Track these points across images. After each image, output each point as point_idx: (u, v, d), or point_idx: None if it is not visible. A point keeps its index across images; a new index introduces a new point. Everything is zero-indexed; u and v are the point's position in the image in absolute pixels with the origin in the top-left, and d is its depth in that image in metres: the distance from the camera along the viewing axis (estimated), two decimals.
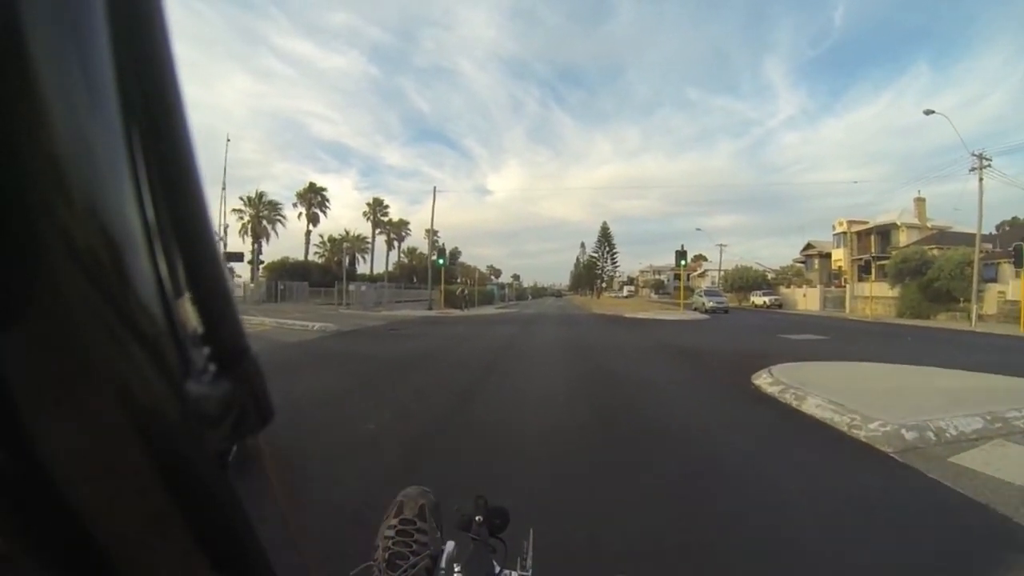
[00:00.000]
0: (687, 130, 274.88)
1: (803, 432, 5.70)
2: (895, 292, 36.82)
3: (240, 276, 53.74)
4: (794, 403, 6.79)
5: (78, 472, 0.25)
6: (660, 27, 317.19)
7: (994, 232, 46.86)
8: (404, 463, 4.44)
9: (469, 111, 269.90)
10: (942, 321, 30.67)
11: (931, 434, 5.20)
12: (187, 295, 0.31)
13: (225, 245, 40.59)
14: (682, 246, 33.93)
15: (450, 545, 0.99)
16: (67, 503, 0.26)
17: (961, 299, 31.81)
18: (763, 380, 8.14)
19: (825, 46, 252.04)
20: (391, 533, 0.98)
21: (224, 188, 40.04)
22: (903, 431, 5.20)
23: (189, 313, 0.31)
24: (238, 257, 42.96)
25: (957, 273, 32.02)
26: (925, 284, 33.55)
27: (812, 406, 6.46)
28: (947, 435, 5.21)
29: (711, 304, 37.35)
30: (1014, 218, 60.55)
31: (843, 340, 16.13)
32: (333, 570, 0.99)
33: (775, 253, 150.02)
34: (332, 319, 21.73)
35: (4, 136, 0.22)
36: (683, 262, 34.80)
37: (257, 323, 18.70)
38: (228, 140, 41.65)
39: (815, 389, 7.02)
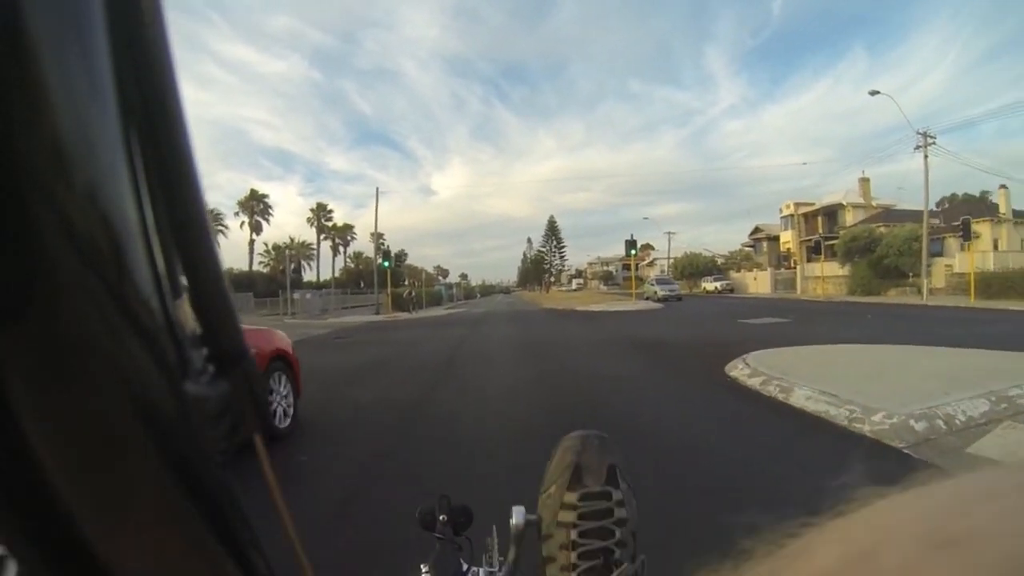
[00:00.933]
0: (631, 122, 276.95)
1: (802, 431, 4.90)
2: (845, 271, 36.86)
3: None
4: (780, 396, 6.01)
5: (76, 472, 0.26)
6: (602, 21, 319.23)
7: (935, 208, 47.48)
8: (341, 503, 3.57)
9: (412, 112, 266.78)
10: (893, 296, 30.64)
11: (940, 422, 4.67)
12: (186, 295, 0.31)
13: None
14: (631, 235, 32.91)
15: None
16: (66, 503, 0.26)
17: (910, 274, 31.94)
18: (740, 371, 7.25)
19: (765, 35, 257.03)
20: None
21: None
22: (911, 422, 4.64)
23: (187, 314, 0.31)
24: None
25: (905, 249, 32.10)
26: (875, 261, 33.55)
27: (802, 398, 5.75)
28: (956, 422, 4.71)
29: (663, 292, 36.74)
30: (953, 194, 61.94)
31: (805, 322, 15.34)
32: (333, 570, 0.68)
33: (722, 239, 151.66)
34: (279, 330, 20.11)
35: (2, 136, 0.22)
36: (633, 251, 33.84)
37: None
38: None
39: (799, 378, 6.30)
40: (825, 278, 36.15)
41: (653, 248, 79.96)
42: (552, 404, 6.31)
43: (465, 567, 0.90)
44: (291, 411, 5.48)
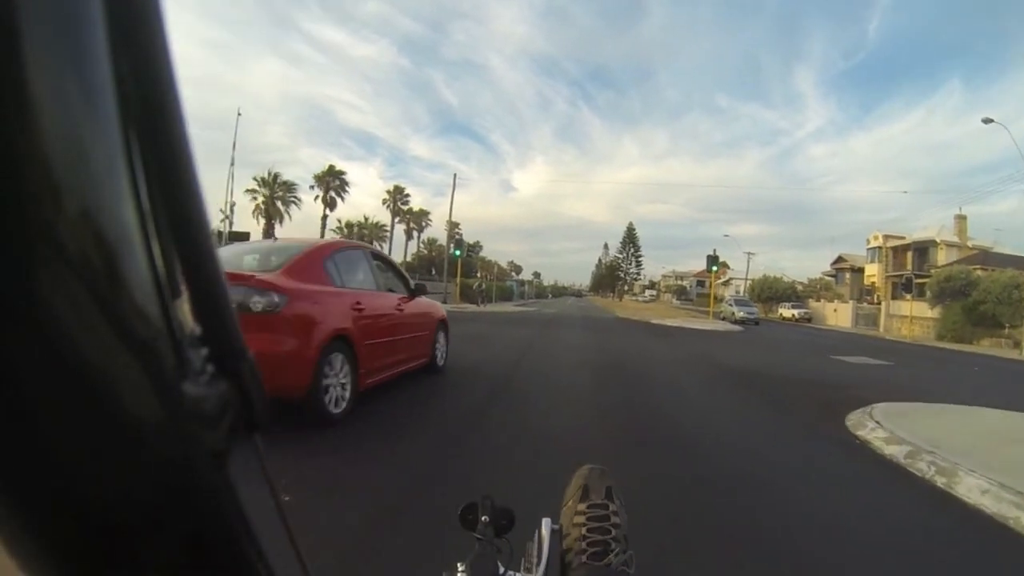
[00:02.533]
0: (715, 136, 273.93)
1: (1005, 557, 3.33)
2: (935, 313, 34.95)
3: None
4: (940, 481, 4.53)
5: (76, 473, 0.26)
6: (692, 31, 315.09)
7: None
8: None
9: (497, 106, 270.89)
10: (986, 347, 28.87)
11: None
12: (184, 296, 0.31)
13: (231, 224, 39.17)
14: (714, 250, 31.79)
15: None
16: (65, 504, 0.26)
17: (1007, 325, 30.06)
18: (871, 432, 5.99)
19: (858, 58, 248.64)
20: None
21: (232, 164, 38.76)
22: None
23: (186, 314, 0.32)
24: (244, 237, 41.80)
25: (1005, 297, 30.29)
26: (970, 306, 31.74)
27: (975, 491, 4.18)
28: None
29: (741, 314, 35.77)
30: None
31: (908, 367, 14.40)
32: (333, 571, 0.66)
33: (798, 265, 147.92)
34: None
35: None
36: (714, 267, 32.68)
37: None
38: (239, 115, 40.08)
39: (958, 456, 4.86)
40: (913, 318, 34.33)
41: (729, 267, 78.03)
42: (626, 444, 5.10)
43: (502, 570, 0.91)
44: (445, 352, 8.57)
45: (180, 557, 0.31)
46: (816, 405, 7.68)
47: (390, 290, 6.82)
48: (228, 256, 5.77)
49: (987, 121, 27.57)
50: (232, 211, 39.28)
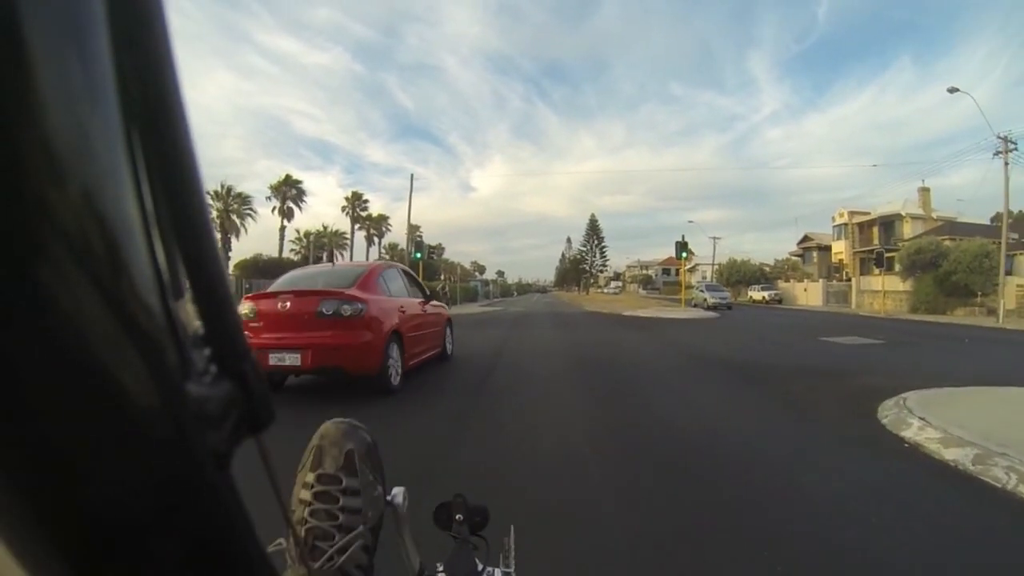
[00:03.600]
0: (672, 125, 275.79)
1: None
2: (907, 286, 34.47)
3: None
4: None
5: (76, 474, 0.26)
6: (645, 22, 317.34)
7: (989, 223, 44.94)
8: None
9: (453, 108, 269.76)
10: (960, 316, 28.34)
11: None
12: (187, 296, 0.31)
13: None
14: (682, 236, 30.65)
15: (399, 493, 0.85)
16: (66, 504, 0.26)
17: (979, 293, 29.63)
18: (919, 432, 4.81)
19: (809, 41, 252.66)
20: (307, 496, 0.76)
21: None
22: None
23: (189, 314, 0.32)
24: None
25: (976, 266, 29.93)
26: (941, 277, 31.31)
27: None
28: None
29: (713, 300, 34.71)
30: (1020, 211, 58.60)
31: (900, 344, 13.43)
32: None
33: (761, 248, 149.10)
34: None
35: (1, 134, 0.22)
36: (683, 254, 31.35)
37: None
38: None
39: None
40: (886, 293, 33.75)
41: (694, 253, 77.81)
42: (624, 461, 4.27)
43: (481, 567, 0.91)
44: (451, 346, 10.33)
45: (182, 557, 0.31)
46: (834, 399, 6.58)
47: (414, 296, 8.71)
48: (303, 277, 7.82)
49: (952, 90, 27.05)
50: None
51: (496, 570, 0.96)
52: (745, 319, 24.62)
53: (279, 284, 7.60)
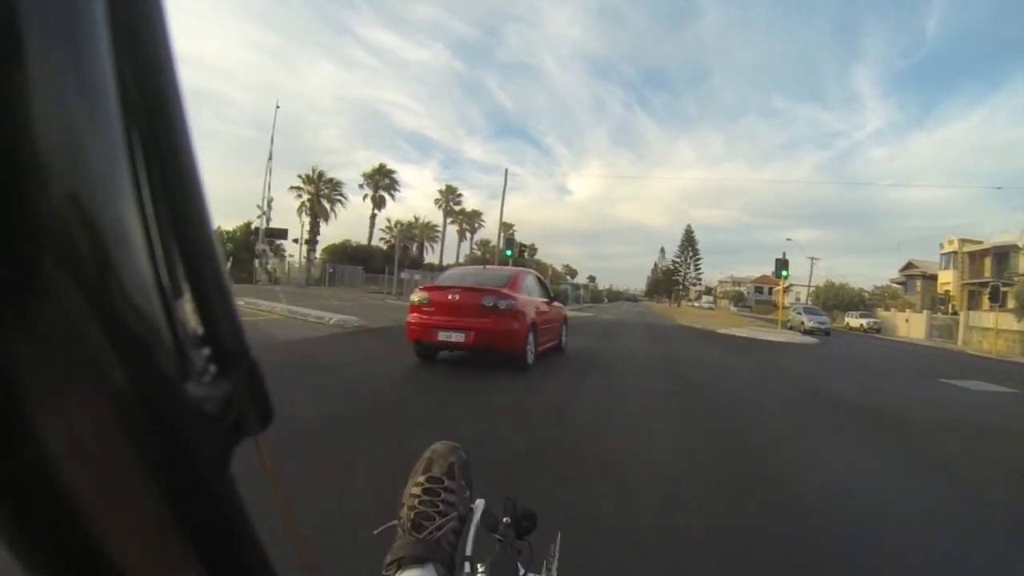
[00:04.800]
0: (771, 139, 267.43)
1: None
2: (1022, 325, 32.42)
3: (289, 255, 52.35)
4: None
5: (77, 474, 0.26)
6: (747, 32, 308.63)
7: None
8: None
9: (552, 109, 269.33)
10: None
11: None
12: (187, 295, 0.32)
13: (268, 220, 38.85)
14: (783, 254, 29.69)
15: (479, 505, 0.98)
16: (66, 505, 0.26)
17: None
18: None
19: (916, 57, 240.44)
20: (417, 491, 0.94)
21: (270, 159, 38.64)
22: None
23: (189, 313, 0.32)
24: (281, 234, 41.30)
25: None
26: None
27: None
28: None
29: (811, 324, 33.63)
30: None
31: None
32: (333, 571, 0.74)
33: (857, 272, 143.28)
34: (367, 310, 19.21)
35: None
36: (783, 273, 29.82)
37: (266, 310, 16.10)
38: (277, 107, 40.15)
39: None
40: (998, 331, 31.90)
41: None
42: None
43: (523, 572, 0.92)
44: (566, 341, 12.59)
45: (182, 557, 0.31)
46: (1009, 475, 5.39)
47: (543, 297, 10.89)
48: (463, 275, 10.26)
49: None
50: (270, 207, 38.74)
51: None
52: (847, 348, 23.73)
53: (445, 280, 10.01)
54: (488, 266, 14.17)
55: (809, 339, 26.91)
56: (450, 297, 8.94)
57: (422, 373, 8.63)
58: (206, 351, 0.33)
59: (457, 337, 8.67)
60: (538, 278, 11.42)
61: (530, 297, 9.88)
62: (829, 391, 10.35)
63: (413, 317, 9.16)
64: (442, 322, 8.77)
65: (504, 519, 0.97)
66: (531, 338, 9.29)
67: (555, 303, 11.86)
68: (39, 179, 0.23)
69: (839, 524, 3.73)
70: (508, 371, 8.73)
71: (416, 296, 9.30)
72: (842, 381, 12.07)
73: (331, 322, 14.34)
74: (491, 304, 8.66)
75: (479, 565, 0.92)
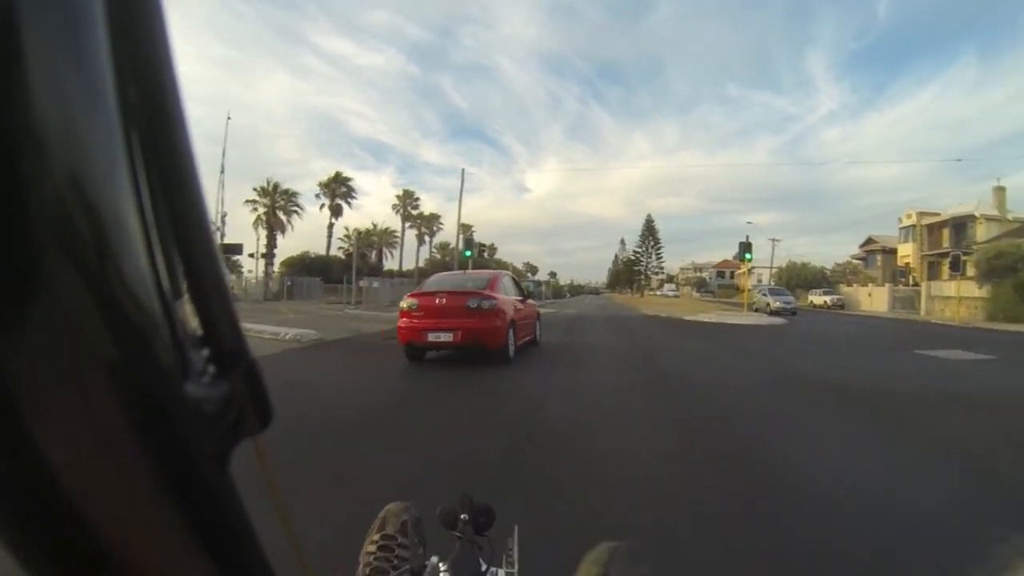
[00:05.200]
0: (726, 126, 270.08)
1: None
2: (983, 292, 32.35)
3: (247, 271, 50.61)
4: None
5: (76, 474, 0.26)
6: (700, 22, 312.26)
7: None
8: None
9: (508, 108, 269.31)
10: None
11: None
12: (186, 296, 0.32)
13: (222, 236, 36.74)
14: (747, 237, 29.15)
15: (432, 561, 0.97)
16: (66, 505, 0.26)
17: None
18: None
19: (868, 39, 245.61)
20: (372, 549, 0.94)
21: (223, 172, 36.78)
22: None
23: (188, 314, 0.32)
24: (236, 249, 38.85)
25: None
26: (1023, 283, 29.17)
27: None
28: None
29: (777, 304, 33.03)
30: None
31: (1013, 361, 11.96)
32: (332, 571, 0.99)
33: (816, 251, 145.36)
34: (325, 322, 18.31)
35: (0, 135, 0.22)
36: (748, 255, 29.44)
37: None
38: (228, 119, 38.51)
39: None
40: (961, 299, 31.76)
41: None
42: None
43: (484, 567, 0.93)
44: (539, 335, 13.35)
45: (181, 557, 0.31)
46: (1017, 450, 4.74)
47: (518, 296, 11.61)
48: (446, 280, 11.34)
49: None
50: (223, 221, 37.10)
51: (500, 570, 0.98)
52: (816, 326, 23.17)
53: (431, 285, 10.86)
54: (467, 271, 16.33)
55: (777, 320, 26.36)
56: (437, 301, 9.77)
57: (394, 386, 8.15)
58: (205, 351, 0.32)
59: (446, 337, 9.45)
60: (513, 278, 12.42)
61: (508, 296, 10.73)
62: (808, 371, 9.66)
63: (403, 322, 9.83)
64: (431, 324, 9.55)
65: (462, 516, 0.98)
66: (511, 334, 10.17)
67: (529, 300, 12.71)
68: (39, 179, 0.23)
69: (871, 531, 3.03)
70: (493, 364, 9.55)
71: (405, 303, 10.03)
72: (820, 360, 11.42)
73: (287, 337, 13.42)
74: (475, 305, 9.51)
75: (441, 564, 0.93)
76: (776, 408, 6.62)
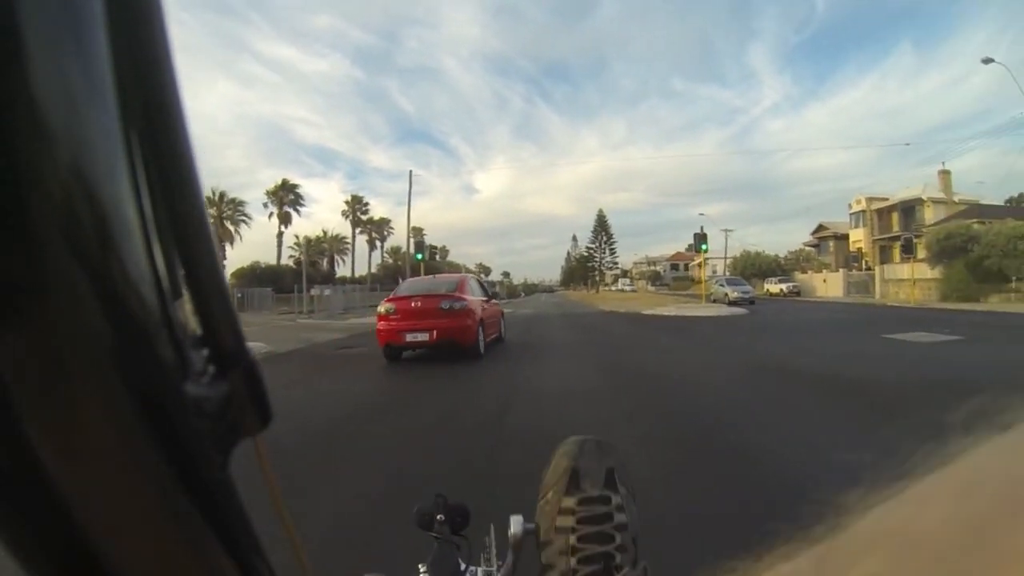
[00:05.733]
0: (673, 120, 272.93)
1: None
2: (935, 273, 32.62)
3: None
4: None
5: (76, 474, 0.26)
6: (644, 18, 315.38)
7: (1007, 205, 43.54)
8: None
9: (454, 110, 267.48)
10: (996, 304, 26.46)
11: None
12: (185, 296, 0.32)
13: None
14: (701, 228, 28.93)
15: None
16: (65, 505, 0.26)
17: (1014, 278, 27.90)
18: None
19: (808, 31, 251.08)
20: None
21: None
22: None
23: (187, 314, 0.32)
24: None
25: (1010, 249, 28.10)
26: (973, 263, 29.45)
27: None
28: None
29: (736, 294, 32.86)
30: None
31: (977, 339, 11.67)
32: (332, 571, 0.93)
33: (767, 240, 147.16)
34: (275, 334, 17.44)
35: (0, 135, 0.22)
36: (703, 246, 29.44)
37: None
38: None
39: None
40: (915, 281, 31.92)
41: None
42: None
43: (463, 566, 0.91)
44: (504, 334, 14.42)
45: (180, 558, 0.31)
46: None
47: (484, 297, 12.58)
48: (418, 285, 12.35)
49: (987, 61, 25.91)
50: None
51: (478, 569, 0.97)
52: (778, 315, 22.79)
53: (405, 290, 11.78)
54: (436, 275, 16.46)
55: (737, 310, 25.89)
56: (413, 304, 10.71)
57: (361, 391, 8.25)
58: (205, 351, 0.32)
59: (422, 337, 10.38)
60: (479, 280, 13.89)
61: (475, 297, 11.64)
62: (780, 362, 9.12)
63: (382, 324, 10.78)
64: (408, 326, 10.50)
65: (438, 516, 0.96)
66: (481, 331, 11.21)
67: (494, 301, 13.90)
68: (39, 178, 0.23)
69: None
70: (466, 360, 10.42)
71: (382, 307, 11.04)
72: (787, 348, 10.99)
73: None
74: (448, 306, 10.50)
75: (420, 565, 0.90)
76: (749, 398, 6.22)
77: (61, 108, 0.24)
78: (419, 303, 10.65)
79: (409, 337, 10.43)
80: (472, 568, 0.94)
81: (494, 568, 0.99)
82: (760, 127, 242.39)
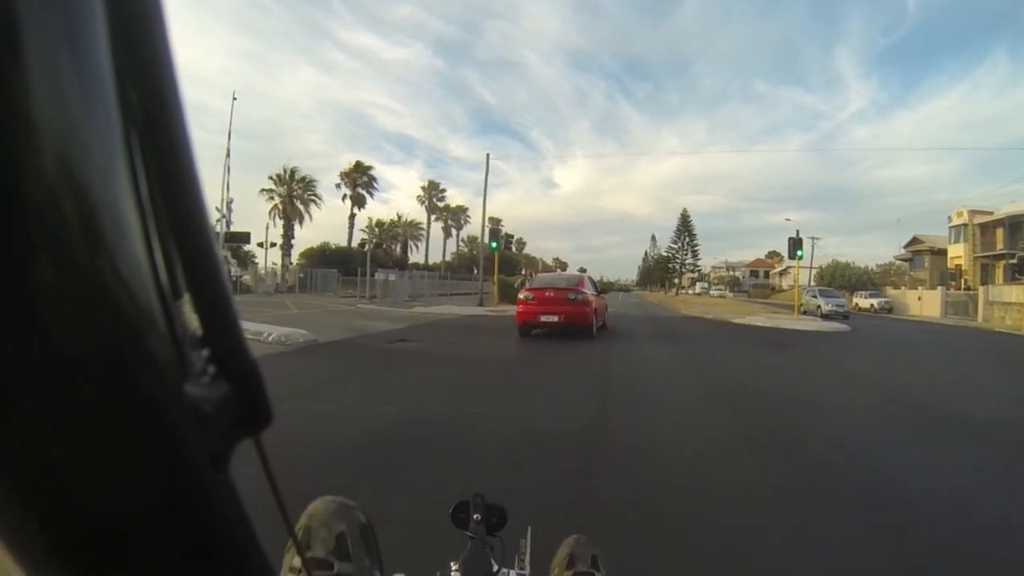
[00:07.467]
0: (755, 123, 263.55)
1: None
2: None
3: (273, 263, 48.77)
4: None
5: (76, 474, 0.26)
6: (727, 18, 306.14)
7: None
8: None
9: (535, 104, 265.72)
10: None
11: None
12: (185, 296, 0.32)
13: (228, 224, 34.14)
14: (797, 232, 26.77)
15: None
16: (65, 505, 0.26)
17: None
18: None
19: (897, 35, 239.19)
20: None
21: (228, 156, 34.65)
22: None
23: (188, 314, 0.32)
24: (243, 238, 36.59)
25: None
26: None
27: None
28: None
29: (829, 307, 31.01)
30: None
31: None
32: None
33: (848, 251, 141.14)
34: (327, 319, 17.17)
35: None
36: (799, 252, 27.02)
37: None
38: (234, 99, 35.18)
39: None
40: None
41: (781, 256, 73.18)
42: None
43: (496, 567, 0.90)
44: (607, 321, 17.88)
45: (181, 558, 0.31)
46: None
47: (595, 291, 16.21)
48: (551, 279, 17.03)
49: None
50: (229, 209, 34.68)
51: (511, 571, 0.96)
52: (885, 334, 21.11)
53: (539, 283, 16.08)
54: (562, 272, 20.38)
55: (835, 325, 24.02)
56: (547, 294, 14.38)
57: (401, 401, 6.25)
58: (205, 352, 0.33)
59: (553, 319, 13.87)
60: (591, 279, 16.91)
61: (590, 291, 14.98)
62: (919, 399, 7.61)
63: (521, 308, 14.34)
64: (542, 310, 14.03)
65: (474, 515, 0.97)
66: (594, 318, 14.45)
67: (602, 295, 17.53)
68: (38, 179, 0.23)
69: None
70: (582, 339, 13.69)
71: (523, 295, 14.84)
72: (928, 381, 9.52)
73: (271, 338, 11.44)
74: (572, 297, 14.11)
75: (452, 563, 0.90)
76: (954, 475, 4.71)
77: (60, 107, 0.23)
78: (551, 293, 14.35)
79: (543, 318, 13.98)
80: (505, 570, 0.92)
81: (527, 572, 1.01)
82: (845, 133, 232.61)
